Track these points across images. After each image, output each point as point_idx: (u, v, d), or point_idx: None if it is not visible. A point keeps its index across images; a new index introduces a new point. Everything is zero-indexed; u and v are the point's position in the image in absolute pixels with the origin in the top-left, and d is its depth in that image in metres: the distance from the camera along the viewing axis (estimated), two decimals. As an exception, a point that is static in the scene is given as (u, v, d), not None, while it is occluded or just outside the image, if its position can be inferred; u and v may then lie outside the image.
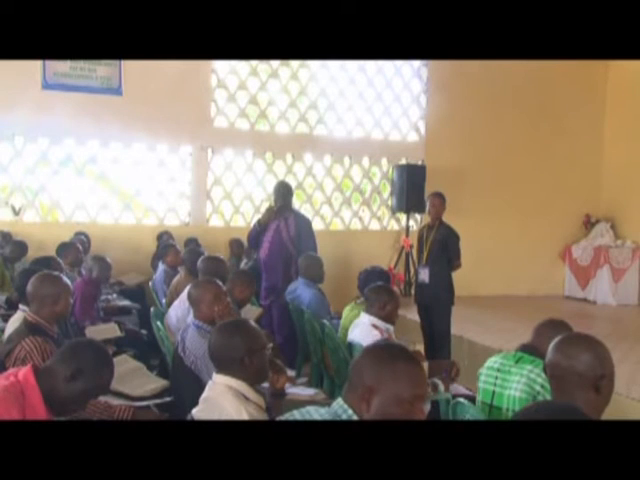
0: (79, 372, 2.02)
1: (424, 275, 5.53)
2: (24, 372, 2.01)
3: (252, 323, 2.52)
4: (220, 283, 3.50)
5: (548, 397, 2.41)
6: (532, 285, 9.35)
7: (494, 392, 2.67)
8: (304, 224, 5.79)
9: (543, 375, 2.47)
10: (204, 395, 2.29)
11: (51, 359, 2.16)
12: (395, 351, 1.72)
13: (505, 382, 2.63)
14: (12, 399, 1.92)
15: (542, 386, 2.48)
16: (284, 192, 5.80)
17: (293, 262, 5.47)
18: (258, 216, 6.16)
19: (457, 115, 8.99)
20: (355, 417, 1.65)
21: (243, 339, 2.35)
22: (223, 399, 2.21)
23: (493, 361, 2.76)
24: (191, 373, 3.00)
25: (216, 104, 8.29)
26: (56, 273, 3.18)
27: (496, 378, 2.67)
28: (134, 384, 3.08)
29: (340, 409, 1.68)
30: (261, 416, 2.23)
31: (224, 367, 2.31)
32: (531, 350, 2.64)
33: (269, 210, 5.75)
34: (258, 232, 5.75)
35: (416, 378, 1.67)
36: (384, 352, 1.72)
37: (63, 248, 5.66)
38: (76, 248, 5.78)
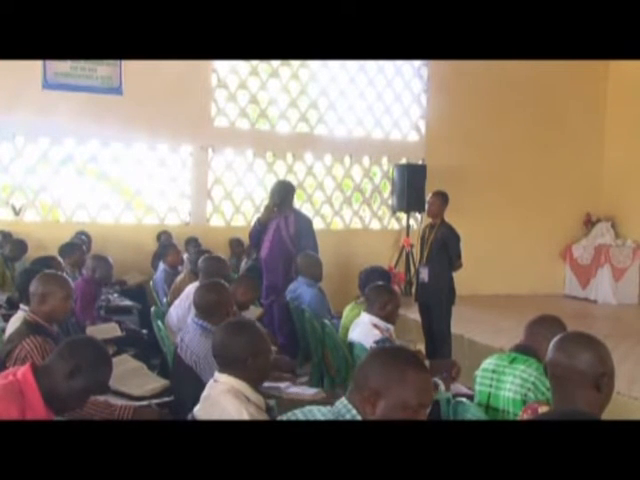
0: (77, 369, 2.02)
1: (424, 275, 5.54)
2: (23, 371, 2.01)
3: (258, 324, 2.52)
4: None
5: (538, 395, 2.42)
6: (532, 284, 9.33)
7: (490, 394, 2.67)
8: (304, 223, 5.78)
9: (535, 374, 2.48)
10: (205, 393, 2.29)
11: (49, 357, 2.16)
12: (405, 357, 1.70)
13: (500, 383, 2.63)
14: (11, 398, 1.92)
15: (533, 383, 2.48)
16: (284, 191, 5.78)
17: (294, 261, 5.46)
18: (258, 216, 6.15)
19: (457, 114, 8.98)
20: (359, 417, 1.64)
21: (248, 339, 2.34)
22: (224, 399, 2.21)
23: (488, 362, 2.76)
24: (192, 372, 3.00)
25: (216, 104, 8.28)
26: (58, 272, 3.18)
27: (491, 379, 2.68)
28: (135, 384, 3.09)
29: (344, 409, 1.67)
30: (261, 417, 2.23)
31: (227, 366, 2.31)
32: (525, 350, 2.63)
33: (268, 208, 5.73)
34: (259, 231, 5.74)
35: (424, 387, 1.66)
36: (393, 357, 1.70)
37: (67, 248, 5.60)
38: (80, 249, 5.73)
